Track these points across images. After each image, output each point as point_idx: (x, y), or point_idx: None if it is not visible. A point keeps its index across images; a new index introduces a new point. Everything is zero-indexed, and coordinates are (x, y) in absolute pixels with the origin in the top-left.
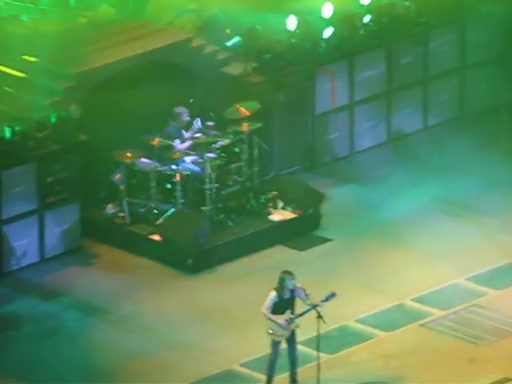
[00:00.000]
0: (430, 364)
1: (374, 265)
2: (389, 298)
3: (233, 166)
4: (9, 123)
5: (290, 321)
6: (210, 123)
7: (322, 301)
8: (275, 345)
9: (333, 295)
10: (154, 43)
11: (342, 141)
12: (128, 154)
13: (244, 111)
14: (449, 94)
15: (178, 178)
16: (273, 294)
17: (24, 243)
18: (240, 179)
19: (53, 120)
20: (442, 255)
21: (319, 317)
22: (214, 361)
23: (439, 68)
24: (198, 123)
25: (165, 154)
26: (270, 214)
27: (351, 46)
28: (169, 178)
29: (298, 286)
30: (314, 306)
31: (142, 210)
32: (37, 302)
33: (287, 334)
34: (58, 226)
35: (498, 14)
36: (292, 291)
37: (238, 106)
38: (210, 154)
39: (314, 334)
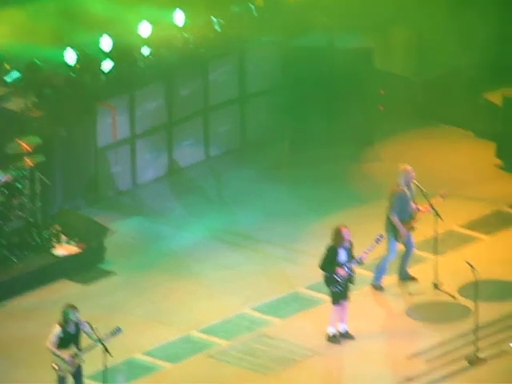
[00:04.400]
0: None
1: (160, 297)
2: (175, 330)
3: (15, 201)
4: None
5: (75, 356)
6: None
7: (108, 336)
8: (61, 380)
9: (118, 330)
10: None
11: (124, 174)
12: None
13: (25, 146)
14: (229, 125)
15: None
16: (57, 329)
17: None
18: (23, 215)
19: None
20: (227, 286)
21: (105, 350)
22: None
23: (219, 99)
24: None
25: None
26: (54, 248)
27: (131, 79)
28: None
29: (83, 320)
30: (100, 340)
31: None
32: None
33: (72, 369)
34: None
35: (277, 44)
36: (77, 325)
37: (19, 141)
38: None
39: (101, 367)
